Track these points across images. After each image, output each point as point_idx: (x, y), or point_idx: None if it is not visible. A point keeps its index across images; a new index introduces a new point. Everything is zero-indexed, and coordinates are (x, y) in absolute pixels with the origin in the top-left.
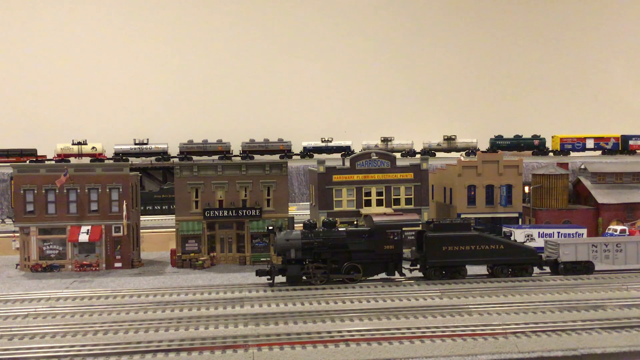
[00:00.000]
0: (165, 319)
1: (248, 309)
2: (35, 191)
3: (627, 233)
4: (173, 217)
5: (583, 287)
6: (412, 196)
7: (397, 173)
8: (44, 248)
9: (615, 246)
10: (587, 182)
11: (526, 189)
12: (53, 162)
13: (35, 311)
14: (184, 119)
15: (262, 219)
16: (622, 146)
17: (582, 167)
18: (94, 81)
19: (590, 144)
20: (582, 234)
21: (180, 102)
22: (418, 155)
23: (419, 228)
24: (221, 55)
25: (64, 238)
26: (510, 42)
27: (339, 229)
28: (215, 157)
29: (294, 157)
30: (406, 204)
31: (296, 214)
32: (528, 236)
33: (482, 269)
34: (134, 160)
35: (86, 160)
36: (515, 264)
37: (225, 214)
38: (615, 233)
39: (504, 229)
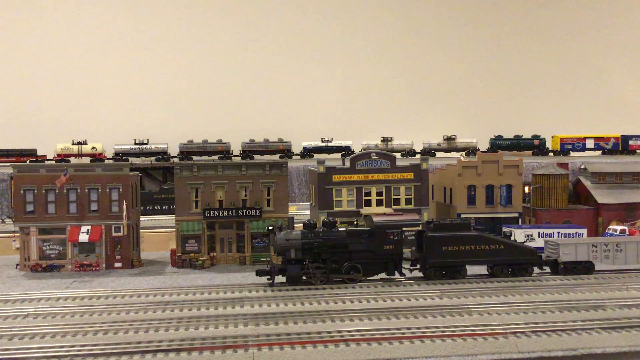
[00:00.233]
0: (165, 319)
1: (248, 309)
2: (35, 191)
3: (627, 233)
4: (173, 217)
5: (583, 287)
6: (412, 196)
7: (397, 173)
8: (44, 248)
9: (615, 246)
10: (587, 182)
11: (526, 189)
12: (53, 162)
13: (35, 311)
14: (184, 119)
15: (262, 219)
16: (622, 146)
17: (582, 167)
18: (94, 81)
19: (590, 144)
20: (582, 234)
21: (180, 102)
22: (418, 155)
23: (419, 228)
24: (221, 55)
25: (64, 238)
26: (510, 42)
27: (339, 229)
28: (215, 157)
29: (294, 157)
30: (406, 204)
31: (296, 214)
32: (528, 236)
33: (482, 269)
34: (134, 160)
35: (86, 160)
36: (515, 264)
37: (225, 214)
38: (615, 233)
39: (504, 229)
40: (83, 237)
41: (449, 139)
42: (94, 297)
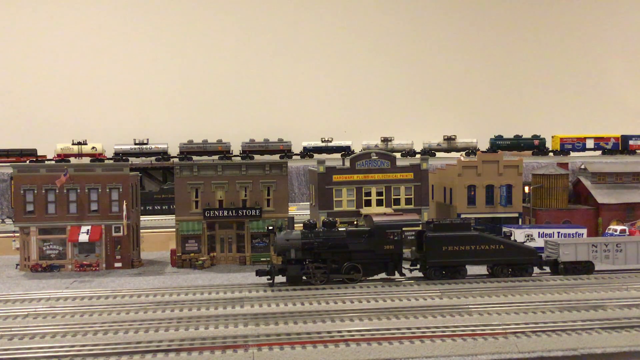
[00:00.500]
0: (165, 319)
1: (248, 309)
2: (35, 191)
3: (627, 233)
4: (173, 217)
5: (583, 287)
6: (412, 196)
7: (397, 173)
8: (44, 248)
9: (615, 246)
10: (587, 182)
11: (526, 189)
12: (53, 162)
13: (35, 311)
14: (184, 119)
15: (262, 219)
16: (622, 146)
17: (582, 167)
18: (93, 81)
19: (590, 144)
20: (582, 234)
21: (180, 102)
22: (418, 155)
23: (419, 228)
24: (221, 55)
25: (64, 238)
26: (510, 42)
27: (339, 229)
28: (215, 157)
29: (294, 157)
30: (406, 204)
31: (296, 214)
32: (528, 236)
33: (482, 269)
34: (134, 160)
35: (86, 160)
36: (515, 264)
37: (225, 214)
38: (615, 233)
39: (504, 229)
40: (83, 237)
41: (449, 139)
42: (94, 297)
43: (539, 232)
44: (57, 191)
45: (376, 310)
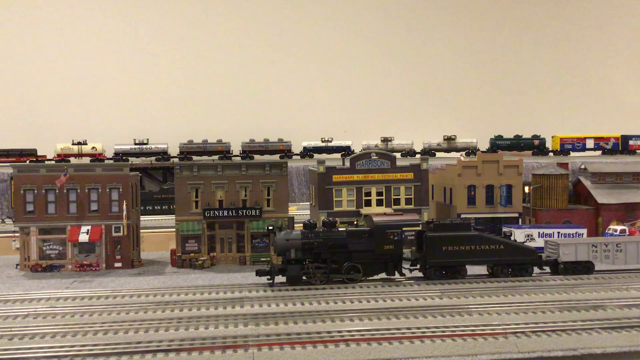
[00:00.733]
0: (165, 319)
1: (248, 309)
2: (35, 191)
3: (627, 233)
4: (173, 217)
5: (583, 287)
6: (412, 196)
7: (397, 173)
8: (44, 248)
9: (615, 246)
10: (587, 182)
11: (526, 189)
12: (53, 162)
13: (35, 311)
14: (184, 119)
15: (262, 219)
16: (622, 146)
17: (582, 167)
18: (93, 81)
19: (590, 144)
20: (582, 234)
21: (180, 102)
22: (418, 155)
23: (419, 228)
24: (221, 55)
25: (64, 238)
26: (510, 42)
27: (339, 229)
28: (215, 157)
29: (294, 157)
30: (406, 204)
31: (296, 214)
32: (528, 236)
33: (482, 269)
34: (134, 160)
35: (86, 160)
36: (515, 264)
37: (225, 214)
38: (615, 233)
39: (504, 229)
40: (83, 237)
41: (449, 139)
42: (94, 297)
43: (539, 232)
44: (57, 191)
45: (376, 310)
